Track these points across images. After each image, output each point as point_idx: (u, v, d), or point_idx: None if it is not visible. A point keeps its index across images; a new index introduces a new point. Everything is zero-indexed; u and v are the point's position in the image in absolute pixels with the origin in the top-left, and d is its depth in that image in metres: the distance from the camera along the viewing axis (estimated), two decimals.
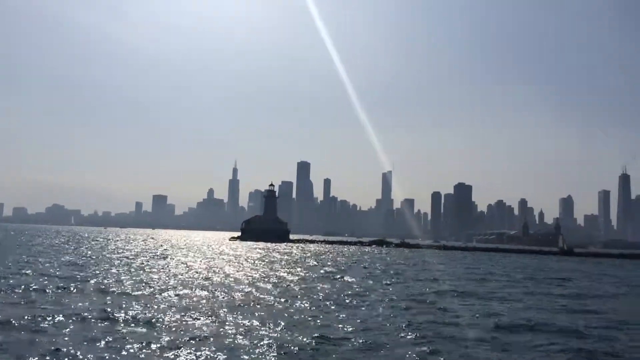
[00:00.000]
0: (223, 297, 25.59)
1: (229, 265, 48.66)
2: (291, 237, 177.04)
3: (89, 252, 62.12)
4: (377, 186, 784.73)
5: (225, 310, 21.54)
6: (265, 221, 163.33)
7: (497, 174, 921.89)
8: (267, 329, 18.06)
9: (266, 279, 36.24)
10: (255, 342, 15.97)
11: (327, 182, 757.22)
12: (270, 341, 16.11)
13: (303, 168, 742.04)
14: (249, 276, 37.99)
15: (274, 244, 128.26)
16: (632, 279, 58.00)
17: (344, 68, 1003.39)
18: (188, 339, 15.88)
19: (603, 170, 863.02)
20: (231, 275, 38.09)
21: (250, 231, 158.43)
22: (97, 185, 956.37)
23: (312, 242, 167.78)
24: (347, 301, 26.24)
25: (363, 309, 23.83)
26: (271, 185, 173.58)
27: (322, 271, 46.64)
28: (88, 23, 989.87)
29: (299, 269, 47.54)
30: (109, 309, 20.14)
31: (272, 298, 26.12)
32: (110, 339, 15.46)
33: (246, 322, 19.12)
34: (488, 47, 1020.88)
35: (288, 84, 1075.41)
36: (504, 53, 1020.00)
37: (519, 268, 68.39)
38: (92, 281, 30.05)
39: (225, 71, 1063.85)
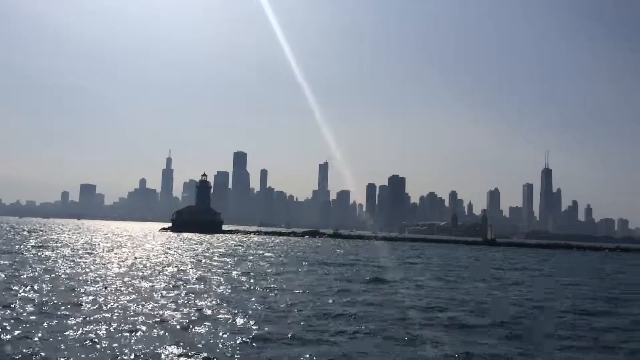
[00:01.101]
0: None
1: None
2: (225, 227, 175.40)
3: None
4: (313, 177, 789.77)
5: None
6: (198, 212, 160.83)
7: (430, 167, 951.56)
8: None
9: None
10: None
11: (263, 173, 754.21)
12: None
13: (239, 158, 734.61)
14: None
15: (205, 235, 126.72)
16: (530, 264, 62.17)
17: (281, 58, 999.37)
18: None
19: (528, 164, 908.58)
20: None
21: (182, 222, 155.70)
22: (21, 173, 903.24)
23: (245, 233, 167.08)
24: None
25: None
26: (204, 175, 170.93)
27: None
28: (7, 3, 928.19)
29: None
30: None
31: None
32: None
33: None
34: (423, 44, 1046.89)
35: (226, 73, 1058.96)
36: (437, 50, 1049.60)
37: (434, 257, 71.91)
38: None
39: (160, 59, 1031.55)
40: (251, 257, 54.04)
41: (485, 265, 60.39)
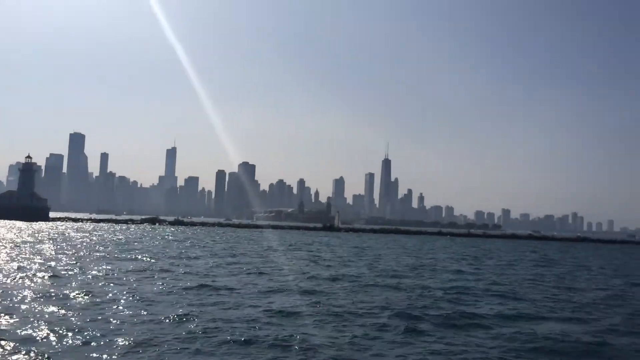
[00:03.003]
0: None
1: None
2: (54, 215, 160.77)
3: None
4: (160, 162, 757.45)
5: None
6: (19, 197, 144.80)
7: (280, 155, 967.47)
8: None
9: None
10: None
11: (104, 157, 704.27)
12: None
13: (76, 140, 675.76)
14: None
15: (26, 223, 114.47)
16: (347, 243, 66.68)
17: (131, 35, 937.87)
18: None
19: (370, 154, 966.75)
20: None
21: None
22: None
23: (76, 220, 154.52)
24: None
25: None
26: (28, 157, 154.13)
27: None
28: None
29: None
30: None
31: None
32: None
33: None
34: (273, 35, 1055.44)
35: (65, 43, 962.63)
36: (285, 41, 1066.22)
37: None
38: None
39: None
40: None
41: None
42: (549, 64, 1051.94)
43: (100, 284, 24.84)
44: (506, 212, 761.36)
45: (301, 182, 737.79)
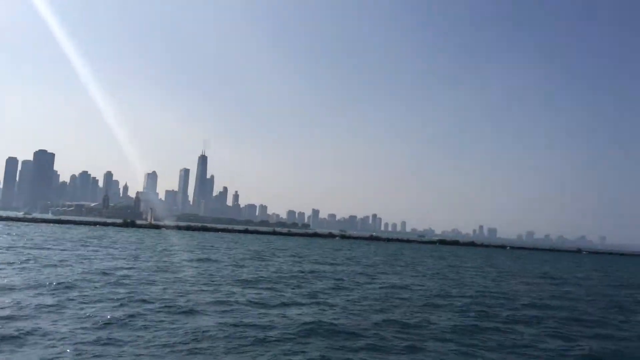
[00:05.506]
0: None
1: None
2: None
3: None
4: None
5: None
6: None
7: (84, 143, 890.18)
8: None
9: None
10: None
11: None
12: None
13: None
14: None
15: None
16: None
17: None
18: None
19: (187, 149, 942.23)
20: None
21: None
22: None
23: None
24: None
25: None
26: None
27: None
28: None
29: None
30: None
31: None
32: None
33: None
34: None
35: None
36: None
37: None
38: None
39: None
40: None
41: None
42: (372, 66, 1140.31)
43: None
44: (316, 212, 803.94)
45: (108, 175, 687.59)
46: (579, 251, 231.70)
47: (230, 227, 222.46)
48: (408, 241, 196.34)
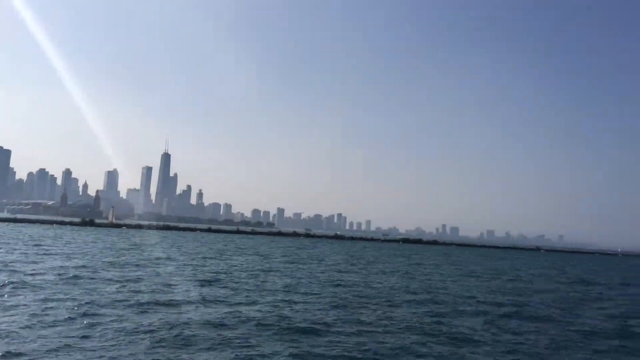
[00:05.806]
0: None
1: None
2: None
3: None
4: None
5: None
6: None
7: (42, 140, 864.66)
8: None
9: None
10: None
11: None
12: None
13: None
14: None
15: None
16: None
17: None
18: None
19: (150, 147, 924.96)
20: None
21: None
22: None
23: None
24: None
25: None
26: None
27: None
28: None
29: None
30: None
31: None
32: None
33: None
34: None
35: None
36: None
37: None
38: None
39: None
40: None
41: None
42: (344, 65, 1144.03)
43: None
44: (281, 211, 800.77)
45: (67, 173, 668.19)
46: (537, 249, 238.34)
47: (193, 226, 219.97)
48: (372, 240, 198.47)
